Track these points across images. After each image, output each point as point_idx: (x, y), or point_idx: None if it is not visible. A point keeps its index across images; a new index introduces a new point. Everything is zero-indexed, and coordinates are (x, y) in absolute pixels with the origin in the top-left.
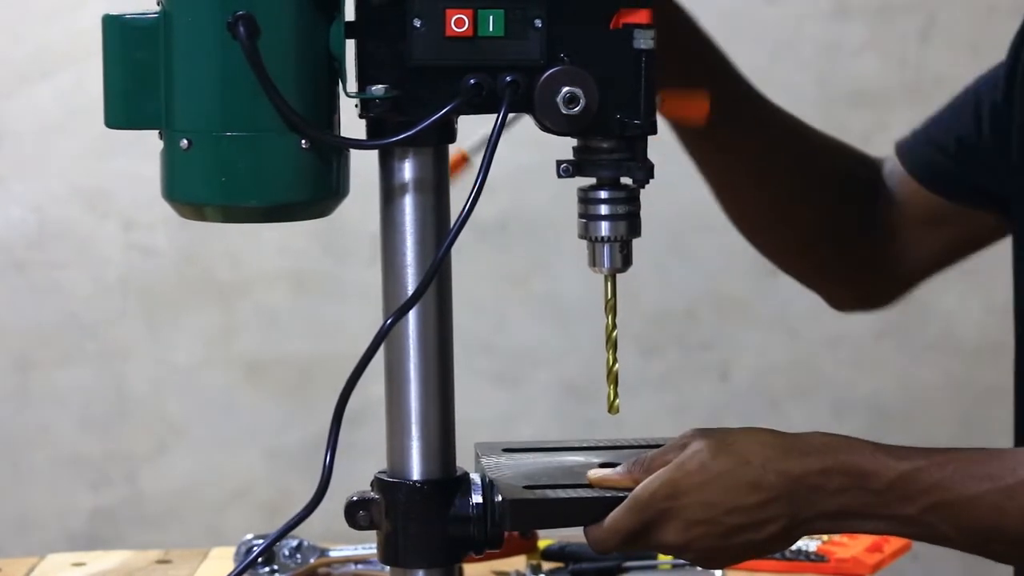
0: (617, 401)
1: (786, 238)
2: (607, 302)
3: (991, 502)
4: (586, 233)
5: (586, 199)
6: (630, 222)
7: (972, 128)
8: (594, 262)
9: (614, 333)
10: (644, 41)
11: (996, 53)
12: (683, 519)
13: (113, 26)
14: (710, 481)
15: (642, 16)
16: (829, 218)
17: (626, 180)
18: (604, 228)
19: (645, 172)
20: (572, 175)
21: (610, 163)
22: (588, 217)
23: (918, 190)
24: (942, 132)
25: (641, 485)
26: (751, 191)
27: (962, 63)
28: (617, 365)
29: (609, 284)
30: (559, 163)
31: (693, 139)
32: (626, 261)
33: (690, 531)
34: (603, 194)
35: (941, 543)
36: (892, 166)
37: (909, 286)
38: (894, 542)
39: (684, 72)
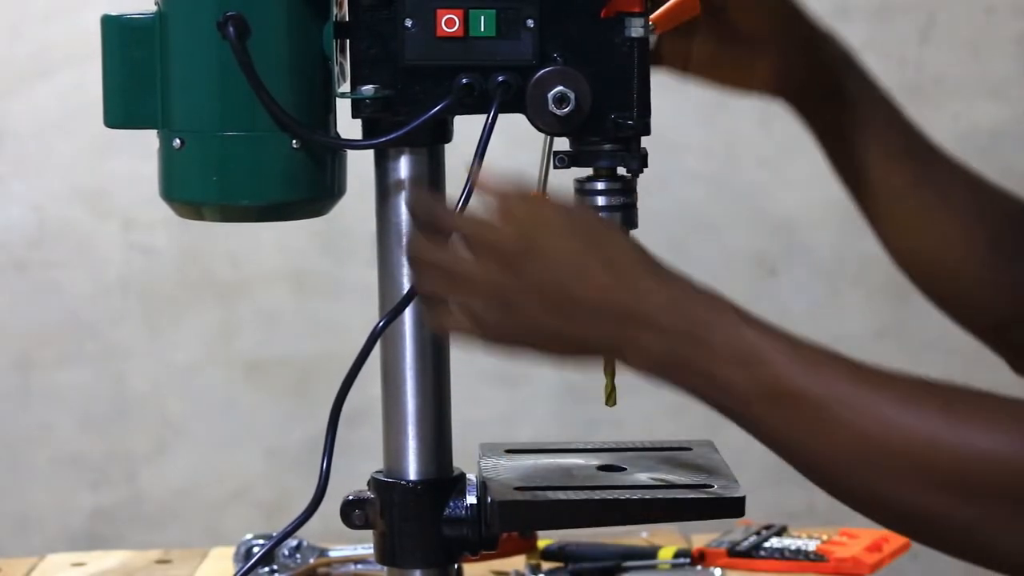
0: (615, 393)
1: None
2: None
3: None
4: None
5: (582, 190)
6: (626, 213)
7: None
8: None
9: None
10: (636, 29)
11: (996, 53)
12: (518, 280)
13: (112, 26)
14: (568, 265)
15: (634, 4)
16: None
17: (622, 171)
18: None
19: (640, 162)
20: (568, 166)
21: (606, 154)
22: None
23: None
24: None
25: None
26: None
27: (962, 63)
28: None
29: None
30: (555, 154)
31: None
32: None
33: (516, 295)
34: (599, 185)
35: (762, 437)
36: None
37: None
38: (893, 542)
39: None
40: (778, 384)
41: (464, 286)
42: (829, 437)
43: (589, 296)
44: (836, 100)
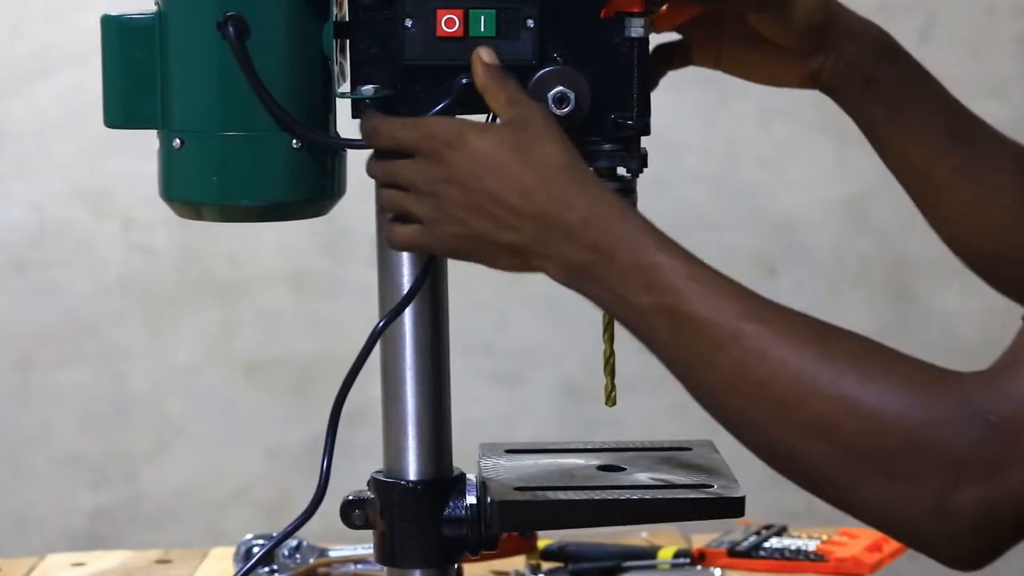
0: (615, 393)
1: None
2: None
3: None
4: None
5: None
6: None
7: None
8: None
9: (611, 326)
10: (636, 29)
11: (996, 53)
12: (445, 171)
13: (111, 26)
14: (492, 163)
15: (634, 4)
16: None
17: (621, 171)
18: None
19: (639, 162)
20: None
21: (606, 154)
22: None
23: None
24: None
25: (436, 115)
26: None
27: (962, 63)
28: (614, 356)
29: None
30: None
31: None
32: None
33: (441, 186)
34: None
35: (657, 353)
36: None
37: None
38: (893, 541)
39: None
40: (675, 309)
41: (403, 185)
42: (712, 363)
43: (509, 196)
44: (872, 93)
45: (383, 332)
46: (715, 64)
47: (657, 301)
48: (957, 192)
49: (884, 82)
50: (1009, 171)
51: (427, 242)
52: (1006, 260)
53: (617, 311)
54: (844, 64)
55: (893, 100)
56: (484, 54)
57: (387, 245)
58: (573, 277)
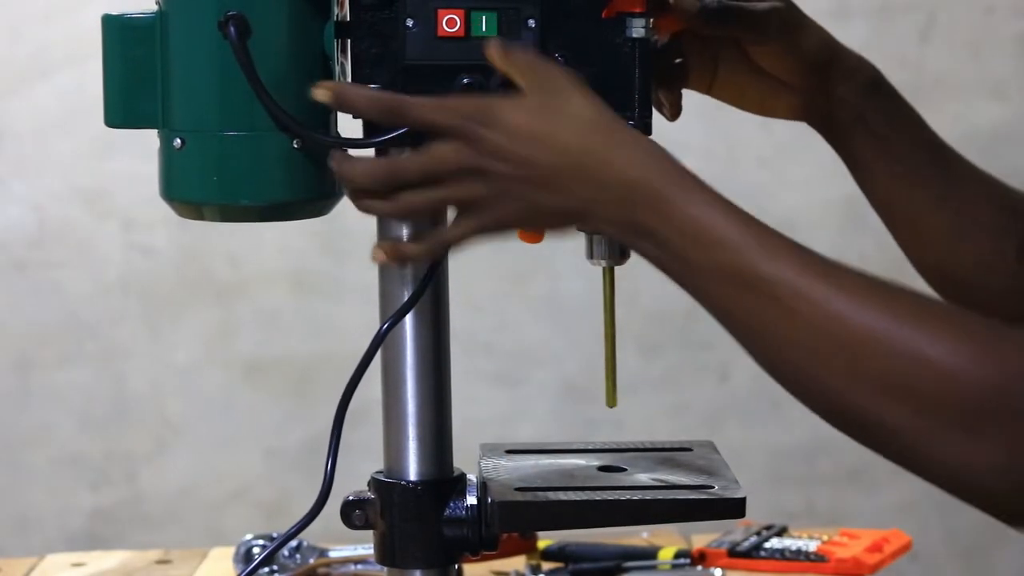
0: (615, 393)
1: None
2: (605, 296)
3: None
4: None
5: None
6: None
7: None
8: (592, 254)
9: (612, 327)
10: (637, 30)
11: (996, 53)
12: (483, 149)
13: (112, 25)
14: (526, 131)
15: (636, 4)
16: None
17: None
18: None
19: None
20: None
21: None
22: None
23: None
24: None
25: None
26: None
27: (962, 63)
28: (615, 356)
29: (607, 277)
30: None
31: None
32: (624, 253)
33: (487, 162)
34: None
35: (715, 314)
36: None
37: None
38: (894, 542)
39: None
40: (731, 265)
41: (445, 173)
42: (774, 322)
43: (548, 161)
44: (859, 130)
45: (386, 335)
46: (707, 89)
47: (712, 257)
48: (936, 223)
49: (871, 119)
50: (985, 203)
51: (485, 224)
52: (982, 289)
53: (672, 270)
54: (836, 101)
55: (878, 136)
56: (493, 43)
57: (445, 245)
58: (628, 234)
